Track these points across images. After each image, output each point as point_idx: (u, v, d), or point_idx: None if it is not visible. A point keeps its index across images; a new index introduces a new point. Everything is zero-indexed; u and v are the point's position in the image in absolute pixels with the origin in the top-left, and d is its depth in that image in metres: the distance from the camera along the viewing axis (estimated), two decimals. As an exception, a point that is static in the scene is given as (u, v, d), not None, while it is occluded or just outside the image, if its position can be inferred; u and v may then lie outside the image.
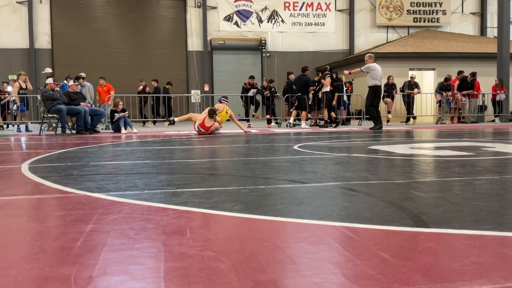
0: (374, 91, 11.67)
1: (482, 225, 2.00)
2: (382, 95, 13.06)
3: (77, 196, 2.83)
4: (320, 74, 13.83)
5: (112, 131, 11.66)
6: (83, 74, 14.21)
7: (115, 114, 11.31)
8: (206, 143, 7.65)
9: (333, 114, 13.48)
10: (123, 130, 11.10)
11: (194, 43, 22.36)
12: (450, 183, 3.14)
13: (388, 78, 15.88)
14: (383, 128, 11.67)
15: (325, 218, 2.15)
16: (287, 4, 22.84)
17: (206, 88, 22.19)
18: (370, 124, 12.49)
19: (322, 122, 13.74)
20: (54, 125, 11.89)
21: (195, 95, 19.37)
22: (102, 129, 12.70)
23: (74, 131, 11.36)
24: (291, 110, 13.91)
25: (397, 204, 2.47)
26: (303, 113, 13.22)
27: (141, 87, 16.24)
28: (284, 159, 4.91)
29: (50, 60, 21.23)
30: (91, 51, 21.37)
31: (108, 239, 1.84)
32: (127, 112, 11.53)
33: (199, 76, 22.32)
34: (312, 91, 13.63)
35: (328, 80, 13.16)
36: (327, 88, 13.21)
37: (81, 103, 11.39)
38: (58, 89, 11.53)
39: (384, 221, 2.09)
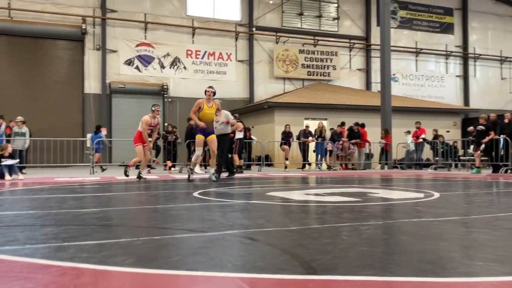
0: (231, 138, 11.90)
1: (366, 270, 2.13)
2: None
3: None
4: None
5: (-5, 177, 10.64)
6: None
7: (2, 160, 10.37)
8: (101, 190, 7.28)
9: (241, 161, 13.66)
10: (7, 177, 10.17)
11: (92, 86, 21.61)
12: (339, 228, 3.32)
13: (285, 126, 16.66)
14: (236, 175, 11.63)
15: (220, 269, 2.13)
16: (189, 52, 23.23)
17: (104, 132, 21.33)
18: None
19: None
20: None
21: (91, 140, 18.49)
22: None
23: None
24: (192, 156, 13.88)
25: (290, 251, 2.54)
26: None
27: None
28: (183, 206, 4.84)
29: None
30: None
31: (-24, 304, 1.65)
32: (17, 160, 10.70)
33: (96, 120, 21.46)
34: None
35: (240, 126, 13.31)
36: (240, 135, 13.35)
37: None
38: None
39: (277, 269, 2.13)
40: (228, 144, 11.01)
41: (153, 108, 10.57)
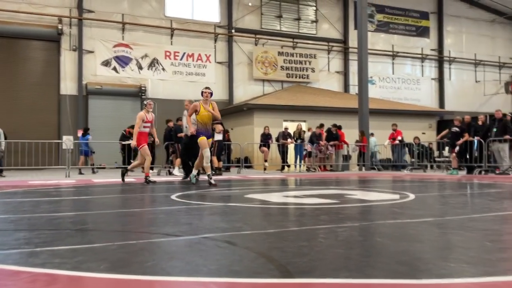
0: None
1: (341, 272, 2.14)
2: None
3: None
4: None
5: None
6: None
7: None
8: (76, 194, 7.16)
9: (220, 163, 13.63)
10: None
11: (68, 87, 21.24)
12: (316, 231, 3.33)
13: (264, 128, 16.69)
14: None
15: (195, 274, 2.12)
16: (168, 53, 23.06)
17: (80, 133, 21.02)
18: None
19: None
20: None
21: (67, 141, 18.19)
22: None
23: None
24: (171, 158, 13.77)
25: (267, 254, 2.54)
26: (177, 160, 13.18)
27: None
28: (160, 210, 4.79)
29: None
30: None
31: None
32: None
33: (72, 121, 21.11)
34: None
35: (219, 128, 13.26)
36: (219, 136, 13.31)
37: None
38: None
39: (253, 273, 2.13)
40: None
41: (145, 102, 10.09)
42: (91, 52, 21.59)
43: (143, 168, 10.23)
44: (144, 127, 9.66)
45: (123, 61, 22.17)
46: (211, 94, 8.90)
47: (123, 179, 9.97)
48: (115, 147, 16.44)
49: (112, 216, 4.39)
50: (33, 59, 21.03)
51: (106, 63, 21.88)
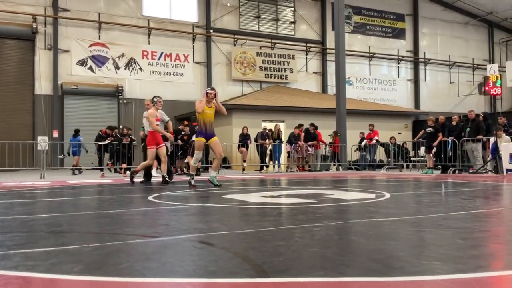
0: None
1: (316, 271, 2.17)
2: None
3: None
4: (186, 123, 13.98)
5: None
6: None
7: None
8: (51, 195, 7.03)
9: (198, 164, 13.58)
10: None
11: (43, 87, 20.84)
12: (292, 230, 3.36)
13: (243, 128, 16.70)
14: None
15: (171, 275, 2.11)
16: (145, 53, 22.84)
17: (55, 134, 20.65)
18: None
19: (186, 170, 13.80)
20: None
21: (42, 142, 17.84)
22: None
23: None
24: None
25: (243, 255, 2.55)
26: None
27: None
28: (137, 211, 4.75)
29: None
30: None
31: None
32: None
33: (47, 122, 20.72)
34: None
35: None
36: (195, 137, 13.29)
37: None
38: None
39: (229, 273, 2.13)
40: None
41: (155, 100, 9.50)
42: (67, 51, 21.23)
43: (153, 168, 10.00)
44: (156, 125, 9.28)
45: (100, 60, 21.87)
46: (215, 95, 8.47)
47: (165, 182, 9.22)
48: (91, 147, 16.21)
49: (87, 217, 4.33)
50: (6, 58, 20.56)
51: (82, 63, 21.55)
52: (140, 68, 22.68)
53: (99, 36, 21.95)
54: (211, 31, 24.15)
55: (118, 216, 4.33)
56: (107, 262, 2.39)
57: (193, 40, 23.97)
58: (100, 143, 14.86)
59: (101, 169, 14.52)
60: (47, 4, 20.99)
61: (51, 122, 20.71)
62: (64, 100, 21.17)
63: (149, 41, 22.98)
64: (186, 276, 2.08)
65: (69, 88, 20.92)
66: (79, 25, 21.54)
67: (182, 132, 13.82)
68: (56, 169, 17.82)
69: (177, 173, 14.47)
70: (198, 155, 8.46)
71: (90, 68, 21.67)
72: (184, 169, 14.14)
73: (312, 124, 17.26)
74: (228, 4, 24.83)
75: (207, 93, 8.47)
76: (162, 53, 23.15)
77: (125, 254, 2.60)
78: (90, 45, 21.69)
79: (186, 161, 13.80)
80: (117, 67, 22.21)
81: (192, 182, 8.33)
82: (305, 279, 2.02)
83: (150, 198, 6.14)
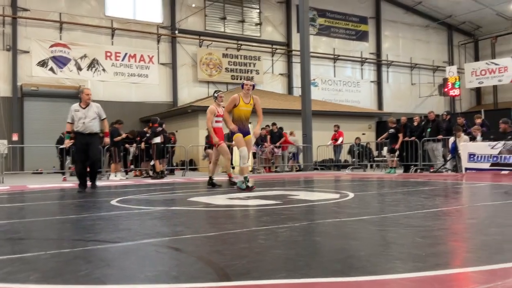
0: (101, 138, 9.40)
1: (279, 273, 2.17)
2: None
3: None
4: (151, 125, 13.77)
5: None
6: None
7: None
8: (10, 200, 6.78)
9: (162, 166, 13.43)
10: None
11: (1, 88, 20.12)
12: (256, 232, 3.36)
13: (210, 130, 16.57)
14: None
15: (131, 281, 2.07)
16: (108, 54, 22.39)
17: (15, 137, 19.97)
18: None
19: (151, 173, 13.61)
20: None
21: (1, 146, 17.21)
22: None
23: None
24: (111, 163, 13.39)
25: (206, 258, 2.52)
26: (113, 165, 12.90)
27: None
28: (98, 216, 4.64)
29: None
30: None
31: None
32: None
33: (6, 125, 20.00)
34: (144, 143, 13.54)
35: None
36: (157, 139, 13.19)
37: None
38: None
39: (191, 278, 2.11)
40: (97, 146, 8.65)
41: (216, 95, 8.75)
42: (26, 52, 20.58)
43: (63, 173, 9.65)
44: (217, 121, 8.50)
45: (61, 61, 21.29)
46: (253, 86, 7.78)
47: (213, 185, 8.60)
48: (52, 151, 15.74)
49: (47, 223, 4.20)
50: (-39, 59, 19.76)
51: (43, 64, 20.93)
52: (104, 69, 22.23)
53: (60, 36, 21.38)
54: (176, 32, 23.94)
55: (79, 221, 4.22)
56: (65, 269, 2.32)
57: (158, 41, 23.70)
58: (61, 146, 14.43)
59: (63, 173, 14.12)
60: (5, 3, 20.29)
61: (11, 125, 20.01)
62: (24, 102, 20.51)
63: (112, 41, 22.56)
64: (147, 282, 2.04)
65: (29, 90, 20.28)
66: (39, 25, 20.91)
67: (147, 135, 13.59)
68: (16, 173, 17.22)
69: (142, 176, 14.26)
70: (244, 151, 7.58)
71: (51, 69, 21.07)
72: (150, 171, 13.92)
73: (274, 124, 17.38)
74: (194, 5, 24.67)
75: (242, 84, 7.77)
76: (126, 54, 22.77)
77: (84, 261, 2.53)
78: (51, 46, 21.09)
79: (152, 163, 13.60)
80: (79, 68, 21.69)
81: (250, 184, 7.48)
82: (268, 281, 2.02)
83: (113, 202, 6.01)
